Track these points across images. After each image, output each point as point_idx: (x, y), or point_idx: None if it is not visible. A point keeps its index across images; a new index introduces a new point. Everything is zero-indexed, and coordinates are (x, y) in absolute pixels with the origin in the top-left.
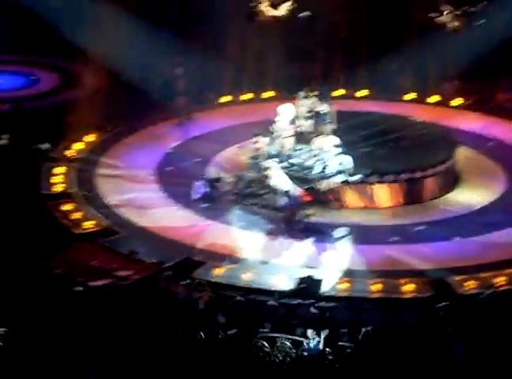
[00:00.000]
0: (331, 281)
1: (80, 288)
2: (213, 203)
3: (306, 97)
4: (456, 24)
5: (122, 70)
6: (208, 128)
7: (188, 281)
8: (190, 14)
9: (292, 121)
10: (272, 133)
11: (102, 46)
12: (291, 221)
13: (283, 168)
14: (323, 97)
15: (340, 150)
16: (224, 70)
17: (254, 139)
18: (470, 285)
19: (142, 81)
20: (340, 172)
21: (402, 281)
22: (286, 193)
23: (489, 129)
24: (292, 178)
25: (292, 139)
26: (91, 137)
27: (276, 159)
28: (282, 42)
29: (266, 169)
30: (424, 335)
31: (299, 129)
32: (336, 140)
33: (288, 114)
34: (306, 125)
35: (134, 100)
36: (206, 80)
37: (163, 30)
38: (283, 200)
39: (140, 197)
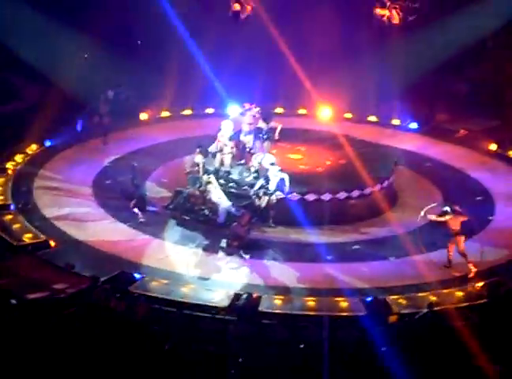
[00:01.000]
0: (268, 298)
1: (14, 301)
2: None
3: (244, 114)
4: (395, 17)
5: (64, 84)
6: (147, 142)
7: (124, 295)
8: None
9: (232, 138)
10: (211, 148)
11: (44, 61)
12: (231, 237)
13: (222, 184)
14: (265, 114)
15: (278, 167)
16: (163, 86)
17: (195, 153)
18: (406, 304)
19: (82, 96)
20: (278, 189)
21: (339, 299)
22: (225, 208)
23: (427, 150)
24: (231, 193)
25: (232, 155)
26: (30, 150)
27: (216, 175)
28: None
29: (205, 184)
30: (360, 353)
31: (239, 145)
32: (275, 158)
33: (228, 130)
34: (247, 141)
35: (74, 114)
36: (146, 95)
37: (104, 45)
38: (221, 216)
39: (77, 210)
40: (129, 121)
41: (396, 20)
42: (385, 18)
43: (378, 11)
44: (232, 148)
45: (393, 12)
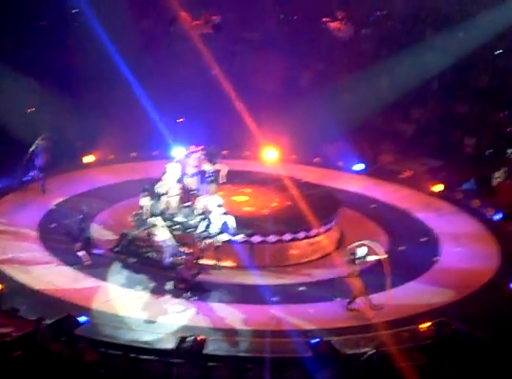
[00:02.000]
0: (214, 340)
1: None
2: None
3: (189, 156)
4: (343, 30)
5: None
6: (92, 185)
7: (69, 338)
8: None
9: (178, 180)
10: (157, 191)
11: None
12: (177, 279)
13: (167, 226)
14: (210, 156)
15: (223, 210)
16: (107, 128)
17: (141, 196)
18: (352, 345)
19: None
20: (223, 231)
21: (286, 341)
22: (170, 250)
23: (372, 191)
24: (176, 236)
25: (178, 197)
26: None
27: (161, 217)
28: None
29: (151, 226)
30: None
31: (185, 188)
32: (220, 200)
33: (175, 173)
34: (192, 183)
35: (18, 156)
36: (90, 138)
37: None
38: (167, 258)
39: (22, 253)
40: (74, 164)
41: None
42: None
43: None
44: (179, 189)
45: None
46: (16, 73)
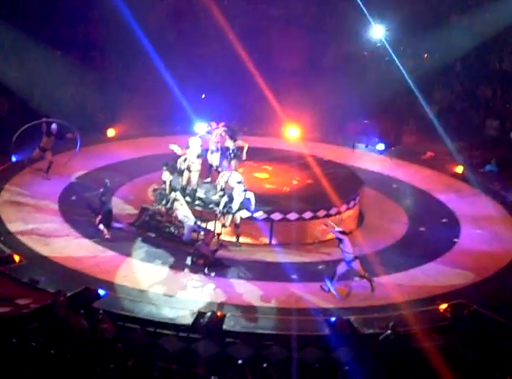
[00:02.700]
0: (233, 317)
1: None
2: (115, 234)
3: (211, 133)
4: None
5: (29, 98)
6: (114, 159)
7: (88, 311)
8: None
9: (199, 156)
10: (179, 166)
11: (11, 75)
12: (196, 255)
13: (188, 202)
14: (231, 133)
15: (244, 186)
16: (131, 103)
17: (162, 170)
18: (370, 325)
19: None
20: (243, 208)
21: (305, 318)
22: (190, 226)
23: (394, 171)
24: (196, 211)
25: (198, 173)
26: None
27: (182, 193)
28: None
29: (172, 202)
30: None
31: (206, 163)
32: (241, 177)
33: (196, 148)
34: (213, 159)
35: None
36: (113, 112)
37: (70, 60)
38: (187, 234)
39: (43, 226)
40: (95, 138)
41: None
42: None
43: None
44: (200, 165)
45: None
46: (41, 46)
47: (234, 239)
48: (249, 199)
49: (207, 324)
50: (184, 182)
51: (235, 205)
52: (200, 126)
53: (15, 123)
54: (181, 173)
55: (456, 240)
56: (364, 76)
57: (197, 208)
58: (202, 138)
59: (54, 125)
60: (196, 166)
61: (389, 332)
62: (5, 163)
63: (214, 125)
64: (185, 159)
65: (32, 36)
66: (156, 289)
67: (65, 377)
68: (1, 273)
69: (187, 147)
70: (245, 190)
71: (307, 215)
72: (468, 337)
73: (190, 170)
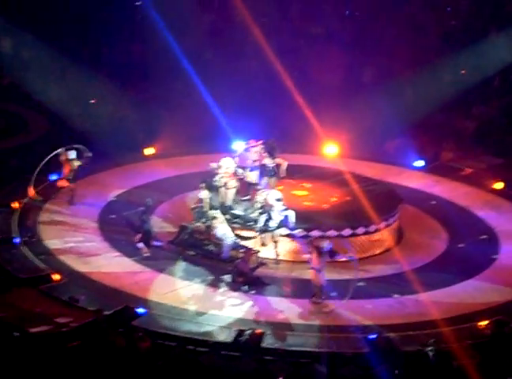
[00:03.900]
0: (272, 334)
1: (17, 334)
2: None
3: (249, 150)
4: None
5: (68, 118)
6: (152, 177)
7: (127, 329)
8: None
9: (235, 173)
10: (215, 183)
11: (50, 93)
12: (235, 273)
13: (227, 219)
14: (270, 150)
15: (283, 204)
16: (169, 121)
17: (200, 188)
18: (410, 342)
19: (88, 129)
20: (282, 226)
21: (343, 335)
22: (229, 244)
23: (432, 188)
24: (235, 229)
25: (235, 190)
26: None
27: (220, 210)
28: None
29: (211, 219)
30: None
31: (245, 181)
32: (280, 195)
33: (230, 166)
34: (252, 177)
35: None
36: (152, 130)
37: (110, 81)
38: (226, 252)
39: (82, 244)
40: (134, 156)
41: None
42: None
43: None
44: (237, 182)
45: None
46: (81, 65)
47: (273, 257)
48: (288, 216)
49: (246, 342)
50: (221, 199)
51: (273, 223)
52: (238, 144)
53: (53, 142)
54: (218, 190)
55: (495, 256)
56: (403, 93)
57: (236, 225)
58: (241, 156)
59: (70, 152)
60: (233, 183)
61: (428, 349)
62: (44, 182)
63: (253, 142)
64: (221, 177)
65: (72, 56)
66: (195, 307)
67: None
68: (42, 292)
69: (219, 166)
70: (284, 208)
71: (346, 232)
72: (507, 354)
73: (226, 188)
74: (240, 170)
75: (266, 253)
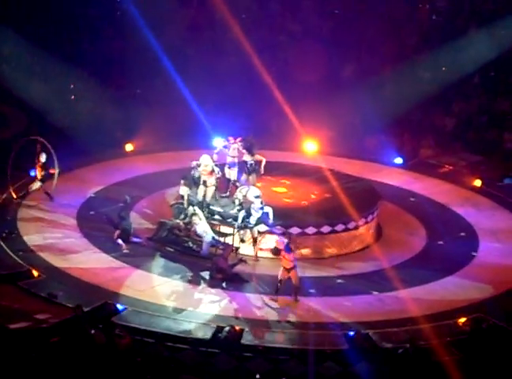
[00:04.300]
0: (251, 331)
1: None
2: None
3: (228, 147)
4: None
5: (47, 113)
6: (131, 173)
7: (106, 326)
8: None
9: (213, 171)
10: (195, 180)
11: (30, 89)
12: (214, 269)
13: (206, 216)
14: (249, 147)
15: (262, 200)
16: (148, 118)
17: (180, 185)
18: (389, 339)
19: (68, 126)
20: (261, 222)
21: (322, 333)
22: (209, 240)
23: (411, 185)
24: (214, 226)
25: (214, 188)
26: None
27: (199, 207)
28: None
29: (190, 216)
30: None
31: (225, 177)
32: (259, 191)
33: (209, 164)
34: (231, 173)
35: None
36: (131, 127)
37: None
38: (205, 248)
39: (61, 240)
40: (113, 153)
41: None
42: None
43: None
44: (217, 179)
45: None
46: (61, 62)
47: (252, 253)
48: (267, 213)
49: (225, 339)
50: (200, 197)
51: (252, 219)
52: (217, 141)
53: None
54: (197, 187)
55: (474, 254)
56: (382, 89)
57: (215, 222)
58: (220, 152)
59: (43, 154)
60: (212, 181)
61: (407, 345)
62: (23, 178)
63: (232, 139)
64: (199, 176)
65: (51, 52)
66: (174, 303)
67: None
68: (20, 288)
69: (198, 164)
70: (263, 205)
71: (325, 229)
72: (486, 350)
73: (205, 185)
74: (217, 169)
75: (245, 249)
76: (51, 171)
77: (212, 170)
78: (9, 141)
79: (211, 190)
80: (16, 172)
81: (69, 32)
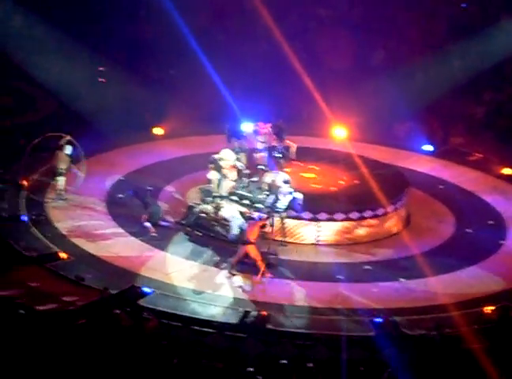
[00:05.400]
0: (278, 316)
1: (23, 312)
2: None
3: (258, 133)
4: None
5: (77, 97)
6: (161, 157)
7: (133, 309)
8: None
9: (235, 166)
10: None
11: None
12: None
13: (234, 200)
14: (278, 132)
15: (291, 186)
16: (177, 102)
17: (209, 169)
18: (415, 326)
19: (96, 110)
20: (290, 208)
21: (350, 319)
22: (237, 225)
23: (441, 172)
24: (243, 210)
25: (233, 183)
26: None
27: (228, 191)
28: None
29: (218, 200)
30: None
31: (253, 163)
32: (288, 177)
33: (230, 158)
34: (260, 158)
35: (88, 127)
36: (160, 111)
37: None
38: (233, 233)
39: (90, 223)
40: (143, 136)
41: None
42: None
43: None
44: (239, 172)
45: None
46: (89, 45)
47: (280, 239)
48: (296, 199)
49: (252, 323)
50: (221, 191)
51: (281, 205)
52: (247, 126)
53: (61, 121)
54: (226, 172)
55: (502, 242)
56: (413, 77)
57: (244, 207)
58: (250, 138)
59: (69, 147)
60: (233, 175)
61: (434, 333)
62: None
63: (261, 125)
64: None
65: (79, 38)
66: (201, 287)
67: (110, 374)
68: (49, 270)
69: (220, 159)
70: (292, 190)
71: (354, 215)
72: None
73: (225, 179)
74: (240, 164)
75: (274, 235)
76: (74, 170)
77: (234, 165)
78: (39, 124)
79: (230, 185)
80: (46, 154)
81: (98, 16)
